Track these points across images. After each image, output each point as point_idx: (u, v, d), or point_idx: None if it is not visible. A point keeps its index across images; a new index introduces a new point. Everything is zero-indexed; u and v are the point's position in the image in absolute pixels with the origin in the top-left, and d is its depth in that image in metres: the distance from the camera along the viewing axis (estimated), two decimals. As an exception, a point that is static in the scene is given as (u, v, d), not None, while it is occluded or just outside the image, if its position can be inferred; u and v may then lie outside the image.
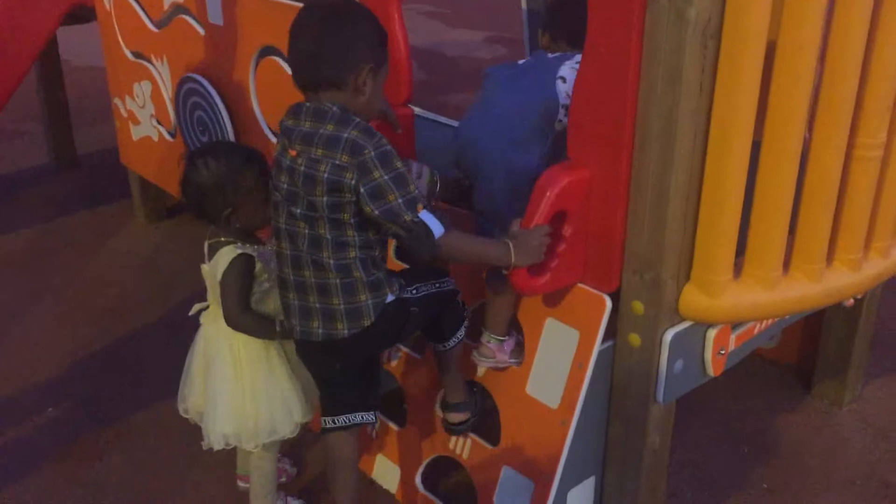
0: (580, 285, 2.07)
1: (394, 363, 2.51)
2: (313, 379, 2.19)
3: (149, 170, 3.84)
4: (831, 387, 2.85)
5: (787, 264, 2.03)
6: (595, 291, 2.04)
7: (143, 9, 3.41)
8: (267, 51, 2.80)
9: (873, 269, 2.14)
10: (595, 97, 1.90)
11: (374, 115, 1.93)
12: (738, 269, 1.99)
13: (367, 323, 1.96)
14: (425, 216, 1.84)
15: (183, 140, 3.36)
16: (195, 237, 3.06)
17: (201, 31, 3.09)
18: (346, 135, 1.82)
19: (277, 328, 2.10)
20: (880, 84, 1.93)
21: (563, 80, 2.09)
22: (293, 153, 1.88)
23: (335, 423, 2.14)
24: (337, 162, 1.82)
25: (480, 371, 2.29)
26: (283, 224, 1.96)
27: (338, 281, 1.92)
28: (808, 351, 2.93)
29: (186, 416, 2.28)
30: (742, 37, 1.73)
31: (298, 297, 1.98)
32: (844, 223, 2.05)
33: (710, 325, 2.07)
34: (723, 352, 2.12)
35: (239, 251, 2.07)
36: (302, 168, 1.86)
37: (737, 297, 1.98)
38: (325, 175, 1.82)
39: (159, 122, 3.58)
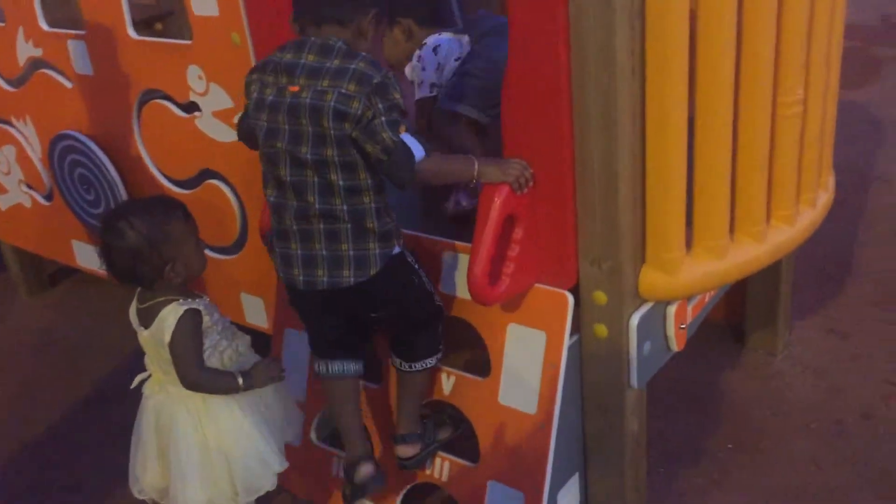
0: (538, 285, 2.03)
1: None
2: (305, 326, 2.14)
3: (26, 239, 3.54)
4: (764, 336, 2.93)
5: (731, 231, 2.06)
6: (555, 289, 2.01)
7: (-8, 68, 3.13)
8: (150, 94, 2.62)
9: (806, 219, 2.21)
10: (527, 91, 1.86)
11: None
12: (687, 243, 2.01)
13: (372, 272, 1.92)
14: (407, 138, 1.82)
15: (64, 201, 3.11)
16: (86, 303, 2.82)
17: (68, 84, 2.86)
18: (353, 66, 1.79)
19: (239, 381, 1.97)
20: (792, 41, 1.97)
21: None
22: (295, 88, 1.82)
23: (328, 371, 2.12)
24: (343, 90, 1.78)
25: (447, 388, 2.22)
26: (286, 175, 1.88)
27: (349, 226, 1.89)
28: (735, 303, 3.00)
29: (142, 497, 2.11)
30: (666, 11, 1.74)
31: (302, 247, 1.93)
32: (777, 181, 2.10)
33: (669, 302, 2.08)
34: (683, 326, 2.13)
35: (184, 307, 1.92)
36: (307, 101, 1.80)
37: (692, 270, 2.00)
38: (332, 103, 1.78)
39: (30, 188, 3.30)
